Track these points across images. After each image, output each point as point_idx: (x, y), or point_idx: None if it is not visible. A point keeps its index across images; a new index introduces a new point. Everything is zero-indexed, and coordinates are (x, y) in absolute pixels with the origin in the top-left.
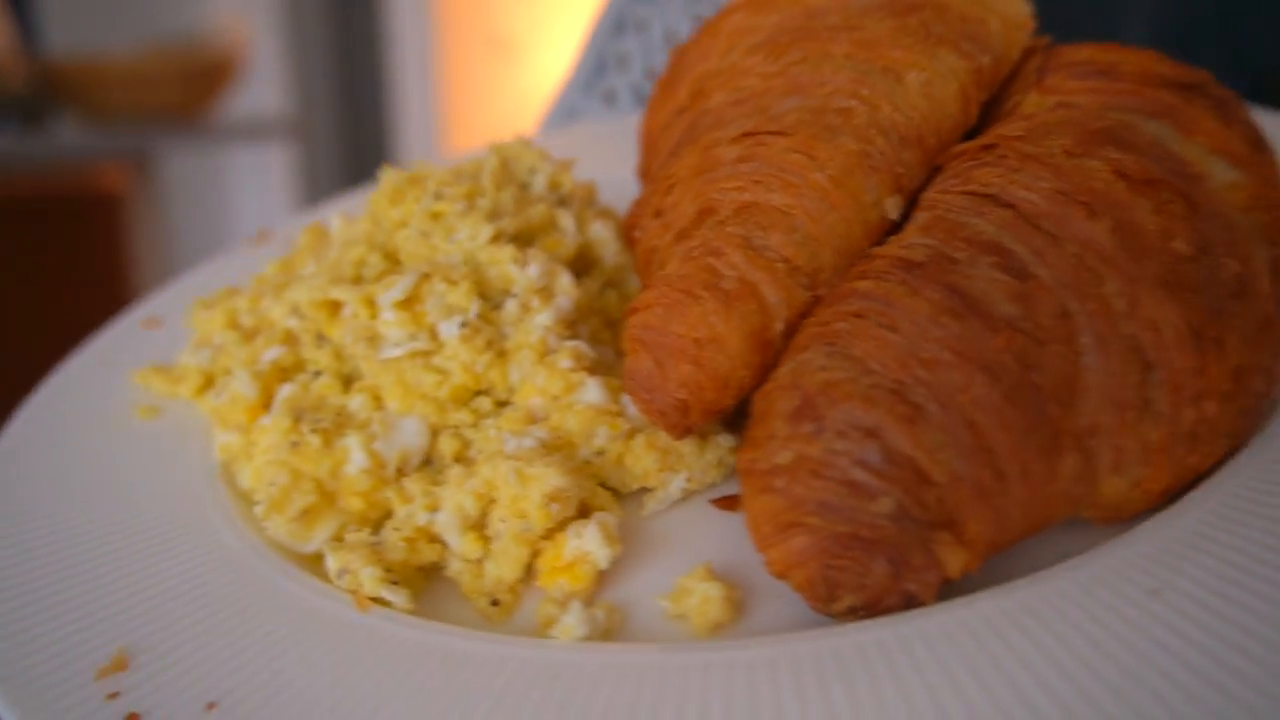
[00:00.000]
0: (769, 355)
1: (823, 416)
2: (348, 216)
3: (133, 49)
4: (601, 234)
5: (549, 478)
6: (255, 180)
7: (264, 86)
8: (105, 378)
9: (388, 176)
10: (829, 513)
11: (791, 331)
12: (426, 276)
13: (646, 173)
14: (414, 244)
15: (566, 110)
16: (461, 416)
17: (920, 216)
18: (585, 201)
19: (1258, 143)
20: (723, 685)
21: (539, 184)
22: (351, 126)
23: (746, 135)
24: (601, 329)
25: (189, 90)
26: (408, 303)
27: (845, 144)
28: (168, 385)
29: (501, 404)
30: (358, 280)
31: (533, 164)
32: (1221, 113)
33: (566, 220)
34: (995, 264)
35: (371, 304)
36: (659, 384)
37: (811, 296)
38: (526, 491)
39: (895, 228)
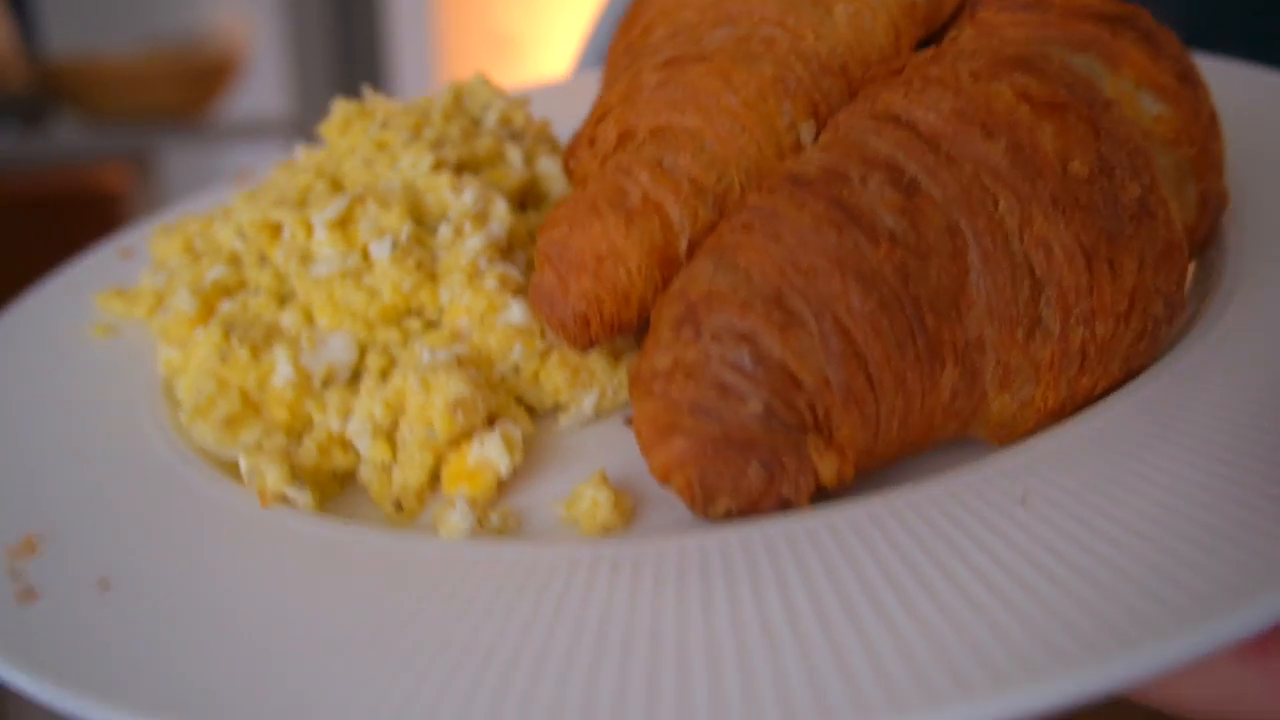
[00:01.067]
0: (673, 272)
1: (701, 323)
2: (310, 149)
3: (132, 49)
4: (550, 169)
5: (453, 386)
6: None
7: (264, 86)
8: (72, 300)
9: (339, 107)
10: (701, 415)
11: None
12: (360, 199)
13: None
14: (358, 171)
15: None
16: (390, 335)
17: (823, 137)
18: (538, 138)
19: (1187, 76)
20: (584, 579)
21: (490, 119)
22: None
23: (668, 62)
24: None
25: (189, 90)
26: (341, 223)
27: (762, 69)
28: (125, 306)
29: (432, 324)
30: (301, 205)
31: (487, 100)
32: (1150, 46)
33: (514, 153)
34: (885, 180)
35: (308, 225)
36: (560, 297)
37: (719, 216)
38: (431, 400)
39: None
